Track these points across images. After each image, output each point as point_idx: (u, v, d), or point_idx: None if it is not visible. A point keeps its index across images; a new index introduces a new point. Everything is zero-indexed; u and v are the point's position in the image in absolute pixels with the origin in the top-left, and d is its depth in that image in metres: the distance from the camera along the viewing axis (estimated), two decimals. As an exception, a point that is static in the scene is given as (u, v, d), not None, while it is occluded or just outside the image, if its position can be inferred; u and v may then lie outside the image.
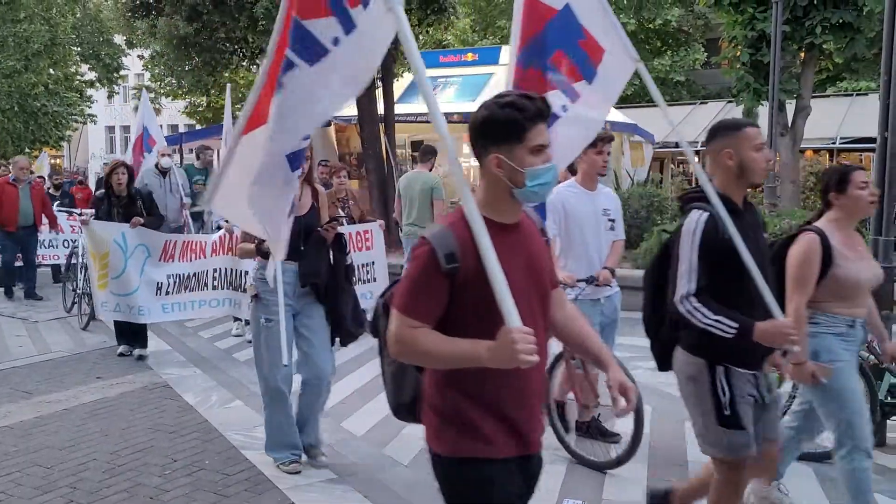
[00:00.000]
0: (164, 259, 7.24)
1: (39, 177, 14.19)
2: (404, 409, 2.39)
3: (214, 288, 7.42)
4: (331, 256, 4.54)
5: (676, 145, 22.92)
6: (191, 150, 11.88)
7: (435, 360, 2.11)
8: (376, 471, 4.58)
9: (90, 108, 31.17)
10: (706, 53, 28.62)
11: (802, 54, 13.56)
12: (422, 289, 2.07)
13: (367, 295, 7.17)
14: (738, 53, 13.78)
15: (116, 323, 7.42)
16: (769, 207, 10.44)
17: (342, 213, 7.07)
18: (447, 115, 13.66)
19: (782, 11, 10.73)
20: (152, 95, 40.51)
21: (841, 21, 12.33)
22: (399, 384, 2.37)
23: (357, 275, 6.98)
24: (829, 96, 21.51)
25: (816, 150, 20.39)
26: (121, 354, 7.35)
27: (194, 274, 7.35)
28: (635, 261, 10.37)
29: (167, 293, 7.23)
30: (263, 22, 12.28)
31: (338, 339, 4.68)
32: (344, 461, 4.73)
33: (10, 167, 11.61)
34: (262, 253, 4.27)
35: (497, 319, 1.95)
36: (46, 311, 9.82)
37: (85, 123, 32.49)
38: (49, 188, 13.01)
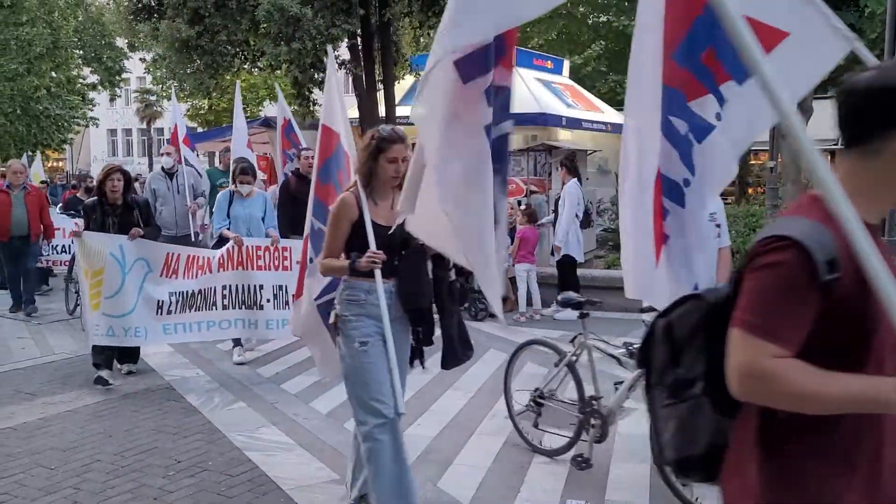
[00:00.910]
0: (166, 274, 6.48)
1: (43, 182, 14.05)
2: (694, 462, 1.77)
3: (225, 307, 6.71)
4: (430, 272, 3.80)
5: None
6: (203, 154, 11.56)
7: (812, 402, 1.47)
8: (379, 472, 4.57)
9: (92, 111, 31.26)
10: (707, 55, 28.58)
11: (804, 56, 13.55)
12: (789, 305, 1.49)
13: None
14: (740, 55, 13.76)
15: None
16: (771, 209, 10.44)
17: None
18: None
19: (783, 13, 10.75)
20: (154, 98, 40.78)
21: (842, 23, 12.35)
22: (690, 430, 1.72)
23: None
24: (830, 98, 21.44)
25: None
26: (98, 381, 6.28)
27: (200, 291, 6.62)
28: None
29: (169, 312, 6.48)
30: (265, 25, 12.32)
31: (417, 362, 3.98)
32: (346, 462, 4.73)
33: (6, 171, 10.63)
34: (356, 271, 3.53)
35: (876, 350, 1.51)
36: (49, 313, 9.84)
37: (87, 126, 32.59)
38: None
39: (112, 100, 32.68)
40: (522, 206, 10.40)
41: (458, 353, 3.87)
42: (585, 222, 10.76)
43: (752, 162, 18.15)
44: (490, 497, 4.25)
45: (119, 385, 6.48)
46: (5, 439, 5.19)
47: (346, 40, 13.64)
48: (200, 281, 6.61)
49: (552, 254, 9.73)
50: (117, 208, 6.46)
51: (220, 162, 10.61)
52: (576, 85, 20.08)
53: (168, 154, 9.03)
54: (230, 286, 6.71)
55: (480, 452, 4.88)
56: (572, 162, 10.12)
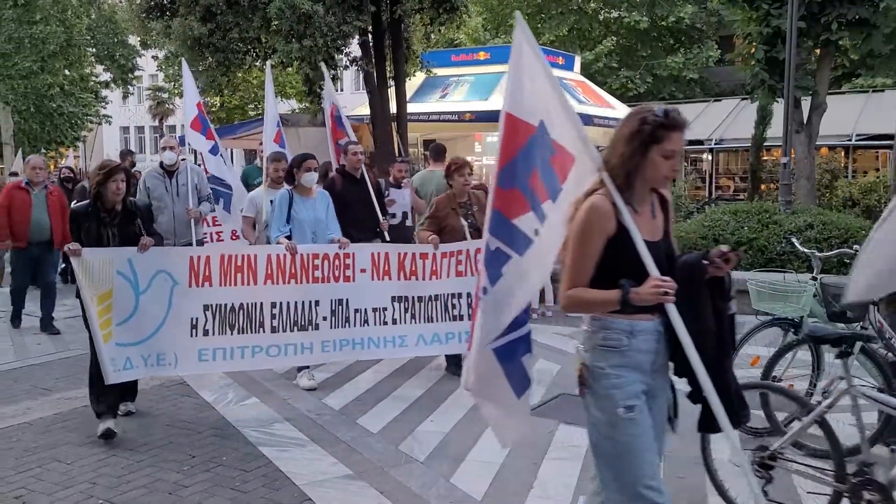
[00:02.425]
0: (196, 283, 5.34)
1: (67, 171, 12.71)
2: None
3: (274, 329, 5.55)
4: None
5: (690, 143, 22.85)
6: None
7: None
8: (392, 468, 4.60)
9: (105, 108, 31.44)
10: (720, 50, 28.48)
11: (818, 51, 13.47)
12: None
13: (456, 336, 6.10)
14: (753, 50, 13.71)
15: (94, 380, 5.15)
16: (785, 205, 10.38)
17: (464, 222, 6.21)
18: (459, 114, 13.62)
19: (798, 7, 10.67)
20: (166, 96, 41.00)
21: (857, 17, 12.24)
22: None
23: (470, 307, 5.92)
24: (844, 93, 21.34)
25: (832, 148, 20.24)
26: (105, 436, 5.05)
27: (242, 307, 5.45)
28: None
29: (206, 332, 5.32)
30: (276, 22, 12.35)
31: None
32: (359, 458, 4.76)
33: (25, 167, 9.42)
34: (626, 306, 2.67)
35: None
36: (65, 309, 9.90)
37: (100, 124, 32.76)
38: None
39: (125, 97, 32.89)
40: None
41: (738, 410, 2.89)
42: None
43: (766, 158, 18.04)
44: (503, 493, 4.26)
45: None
46: (22, 434, 5.24)
47: (357, 37, 13.65)
48: (243, 293, 5.47)
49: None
50: (116, 216, 5.19)
51: (258, 158, 9.54)
52: (587, 81, 20.04)
53: (170, 148, 7.63)
54: (281, 303, 5.57)
55: (494, 448, 4.86)
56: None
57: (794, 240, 5.72)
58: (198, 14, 13.36)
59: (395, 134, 14.08)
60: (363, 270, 5.88)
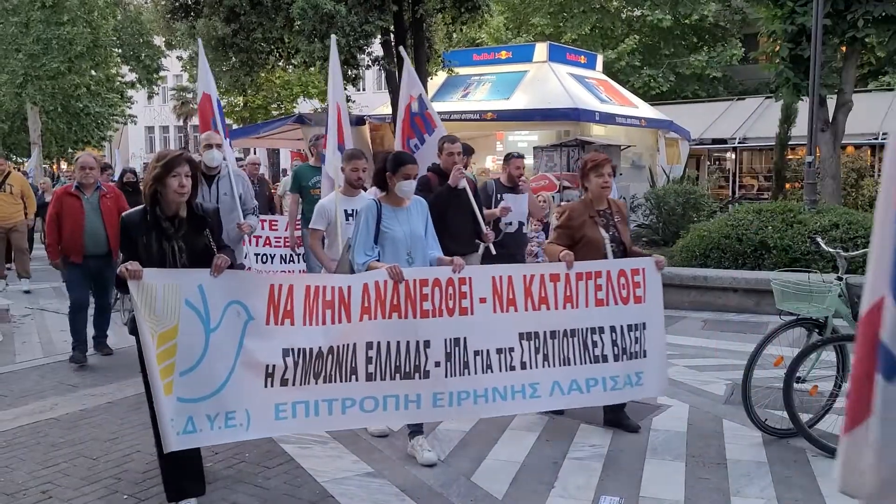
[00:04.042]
0: (275, 320, 4.10)
1: (130, 175, 10.90)
2: None
3: (370, 377, 4.26)
4: None
5: (713, 142, 22.67)
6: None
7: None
8: (412, 465, 4.61)
9: (130, 108, 31.82)
10: (744, 49, 28.23)
11: (844, 48, 13.30)
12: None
13: (632, 379, 4.82)
14: (778, 48, 13.57)
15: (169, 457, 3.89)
16: (809, 204, 10.27)
17: (605, 234, 5.01)
18: (481, 113, 13.50)
19: (823, 5, 10.54)
20: (190, 95, 41.35)
21: (884, 14, 12.07)
22: None
23: (621, 344, 4.80)
24: (871, 91, 21.07)
25: (858, 146, 20.00)
26: None
27: (332, 350, 4.20)
28: (671, 258, 10.27)
29: (284, 383, 4.09)
30: (299, 22, 12.43)
31: None
32: (380, 456, 4.78)
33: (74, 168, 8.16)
34: None
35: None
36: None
37: (125, 124, 33.14)
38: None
39: (150, 97, 33.15)
40: (557, 203, 10.37)
41: None
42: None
43: (790, 157, 17.86)
44: (523, 492, 4.26)
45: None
46: (49, 430, 5.32)
47: (379, 37, 13.70)
48: (332, 334, 4.22)
49: None
50: (181, 224, 3.99)
51: (311, 155, 8.04)
52: (609, 80, 19.95)
53: (216, 146, 6.51)
54: (379, 344, 4.29)
55: (514, 447, 4.89)
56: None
57: (818, 239, 5.65)
58: (222, 15, 13.49)
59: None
60: (483, 300, 4.51)
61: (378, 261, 4.52)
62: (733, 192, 22.32)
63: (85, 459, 4.76)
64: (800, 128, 14.19)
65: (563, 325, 4.72)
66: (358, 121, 15.80)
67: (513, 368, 4.57)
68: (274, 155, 39.51)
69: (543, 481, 4.38)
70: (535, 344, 4.63)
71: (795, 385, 4.77)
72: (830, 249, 5.35)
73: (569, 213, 5.09)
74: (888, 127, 19.18)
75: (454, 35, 15.70)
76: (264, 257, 8.92)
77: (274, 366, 4.06)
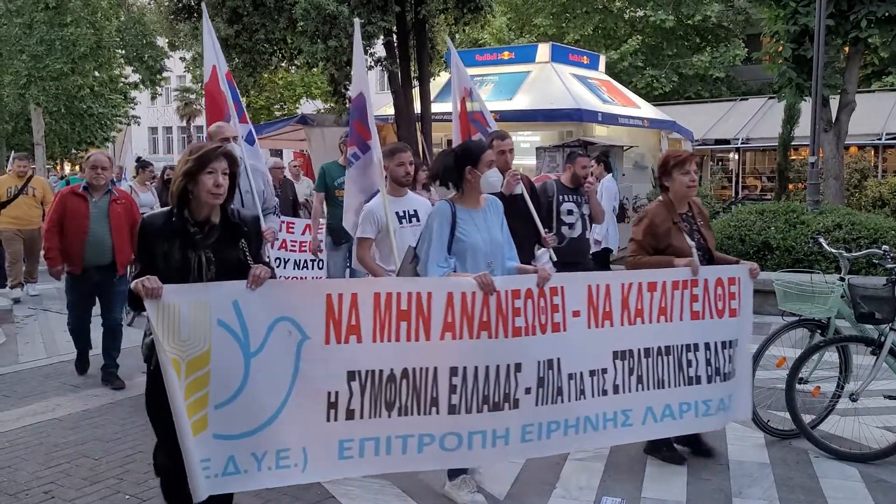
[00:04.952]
0: (336, 337, 3.44)
1: (172, 171, 9.48)
2: None
3: (453, 409, 3.60)
4: None
5: (716, 142, 22.64)
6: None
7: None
8: (414, 466, 4.60)
9: (134, 109, 31.91)
10: (746, 49, 28.20)
11: (847, 49, 13.27)
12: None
13: (724, 403, 4.28)
14: (780, 49, 13.55)
15: (167, 480, 3.54)
16: (812, 204, 10.25)
17: (691, 242, 4.42)
18: (484, 113, 12.87)
19: (826, 5, 10.52)
20: (193, 97, 41.46)
21: (887, 15, 12.04)
22: None
23: (715, 363, 4.24)
24: (874, 91, 21.03)
25: (861, 147, 19.96)
26: None
27: (406, 374, 3.56)
28: (674, 259, 10.25)
29: (350, 414, 3.47)
30: (302, 23, 12.44)
31: None
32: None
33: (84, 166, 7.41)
34: None
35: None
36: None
37: (129, 125, 33.22)
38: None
39: (153, 98, 33.22)
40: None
41: None
42: (620, 217, 10.88)
43: (793, 157, 17.83)
44: (525, 493, 4.26)
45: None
46: (51, 430, 5.33)
47: (381, 37, 13.71)
48: (408, 353, 3.56)
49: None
50: (212, 232, 3.35)
51: (341, 153, 7.28)
52: (612, 80, 19.92)
53: (233, 139, 5.65)
54: (465, 369, 3.62)
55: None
56: (607, 157, 10.28)
57: (821, 240, 5.64)
58: (225, 16, 13.52)
59: (419, 134, 14.12)
60: (577, 313, 3.91)
61: (455, 271, 3.85)
62: (736, 193, 22.28)
63: (87, 460, 4.77)
64: (803, 128, 14.16)
65: (657, 341, 4.12)
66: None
67: (605, 393, 3.98)
68: (277, 156, 39.56)
69: (545, 482, 4.37)
70: (629, 364, 4.05)
71: (798, 386, 4.78)
72: (833, 250, 5.34)
73: (651, 218, 4.42)
74: (892, 127, 19.16)
75: (457, 36, 15.70)
76: (277, 261, 8.13)
77: (337, 393, 3.44)
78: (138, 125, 35.81)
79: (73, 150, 28.04)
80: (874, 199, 16.13)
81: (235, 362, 3.25)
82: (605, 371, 3.98)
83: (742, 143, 22.04)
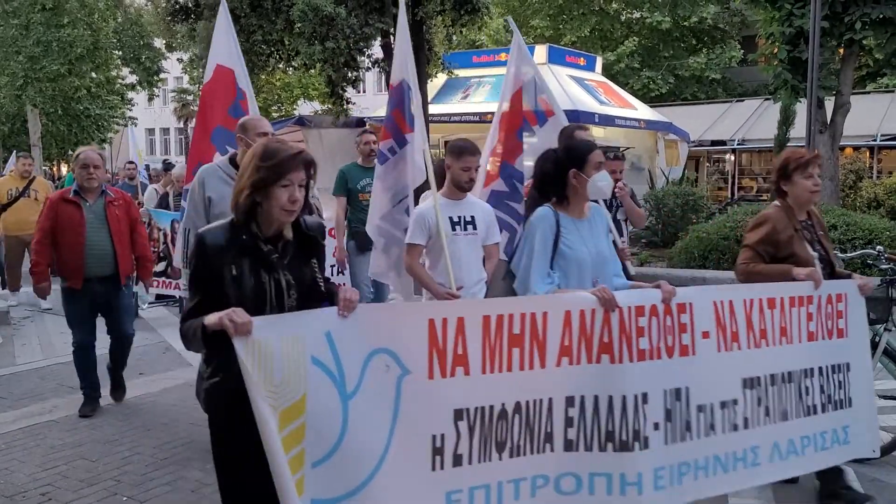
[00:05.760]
0: (441, 370, 2.90)
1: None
2: None
3: (570, 445, 3.08)
4: None
5: (712, 143, 22.70)
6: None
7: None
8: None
9: (131, 110, 31.88)
10: (742, 51, 28.29)
11: (842, 50, 13.33)
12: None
13: (839, 435, 3.74)
14: (776, 50, 13.60)
15: None
16: (808, 206, 10.28)
17: (813, 252, 4.02)
18: (481, 115, 13.52)
19: (821, 7, 10.57)
20: (191, 98, 41.42)
21: (881, 16, 12.09)
22: None
23: (827, 390, 3.72)
24: (869, 93, 21.10)
25: (857, 148, 20.03)
26: None
27: (518, 408, 3.03)
28: (670, 259, 10.30)
29: (458, 461, 2.92)
30: (299, 25, 12.45)
31: None
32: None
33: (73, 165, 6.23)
34: None
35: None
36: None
37: (126, 126, 33.18)
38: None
39: (150, 99, 33.19)
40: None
41: None
42: (618, 217, 10.87)
43: (789, 158, 17.89)
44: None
45: (158, 378, 6.62)
46: (48, 432, 5.34)
47: (379, 39, 13.73)
48: (521, 384, 3.04)
49: None
50: (287, 247, 2.76)
51: (362, 155, 6.80)
52: (609, 81, 19.98)
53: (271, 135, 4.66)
54: (583, 399, 3.11)
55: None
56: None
57: (816, 241, 5.66)
58: (222, 17, 13.52)
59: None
60: (706, 334, 3.37)
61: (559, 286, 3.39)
62: (732, 194, 22.34)
63: (84, 461, 4.78)
64: (798, 129, 14.19)
65: (780, 366, 3.58)
66: (358, 122, 15.82)
67: (735, 428, 3.40)
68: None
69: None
70: (757, 393, 3.48)
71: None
72: (827, 251, 5.36)
73: (772, 224, 3.96)
74: (887, 128, 19.23)
75: (454, 37, 15.72)
76: None
77: (443, 436, 2.88)
78: (135, 126, 35.76)
79: (70, 152, 27.99)
80: (869, 199, 16.18)
81: (332, 409, 2.65)
82: (735, 402, 3.41)
83: (738, 145, 22.11)
